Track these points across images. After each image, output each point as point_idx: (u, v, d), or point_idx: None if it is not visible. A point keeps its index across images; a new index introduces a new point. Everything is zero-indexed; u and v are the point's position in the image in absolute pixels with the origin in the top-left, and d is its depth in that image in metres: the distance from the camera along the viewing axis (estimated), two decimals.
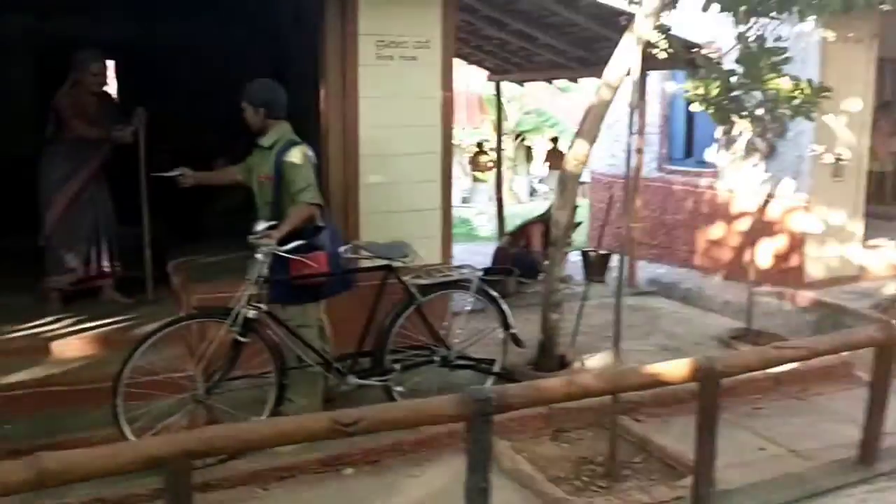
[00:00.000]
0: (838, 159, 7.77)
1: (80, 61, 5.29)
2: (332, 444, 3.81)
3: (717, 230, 9.10)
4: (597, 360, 5.38)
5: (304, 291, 4.25)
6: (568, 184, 4.89)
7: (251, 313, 3.97)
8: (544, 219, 7.78)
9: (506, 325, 4.67)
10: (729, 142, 8.69)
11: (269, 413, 4.10)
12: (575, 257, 8.69)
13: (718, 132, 9.05)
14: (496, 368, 4.73)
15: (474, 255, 8.26)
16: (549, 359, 5.09)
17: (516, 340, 4.77)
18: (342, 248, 4.13)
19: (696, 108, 5.95)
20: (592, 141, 4.87)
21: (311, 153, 4.29)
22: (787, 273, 7.96)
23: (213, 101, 5.92)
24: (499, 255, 7.56)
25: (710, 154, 9.19)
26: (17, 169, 5.94)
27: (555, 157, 18.06)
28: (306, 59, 6.00)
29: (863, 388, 4.39)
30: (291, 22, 7.57)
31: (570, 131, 16.41)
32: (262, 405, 4.16)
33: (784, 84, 5.57)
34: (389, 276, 4.34)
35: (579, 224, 4.98)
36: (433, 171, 5.66)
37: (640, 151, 7.98)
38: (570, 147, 4.94)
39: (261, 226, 4.03)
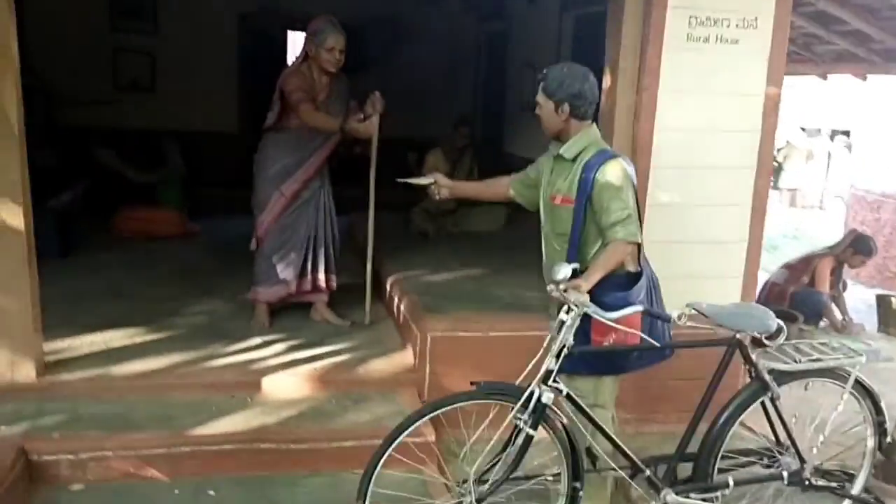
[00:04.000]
0: None
1: (315, 33, 4.31)
2: None
3: None
4: None
5: (602, 359, 3.06)
6: None
7: (547, 396, 2.80)
8: (836, 252, 6.19)
9: (881, 430, 3.25)
10: None
11: None
12: (857, 297, 7.06)
13: None
14: (858, 488, 3.34)
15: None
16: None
17: (886, 449, 3.35)
18: (675, 314, 2.86)
19: None
20: None
21: (631, 170, 3.07)
22: None
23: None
24: (771, 291, 6.06)
25: None
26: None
27: None
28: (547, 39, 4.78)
29: None
30: None
31: None
32: None
33: None
34: (733, 352, 3.04)
35: None
36: (742, 192, 4.30)
37: None
38: None
39: (561, 270, 2.84)
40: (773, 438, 3.19)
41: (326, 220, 4.69)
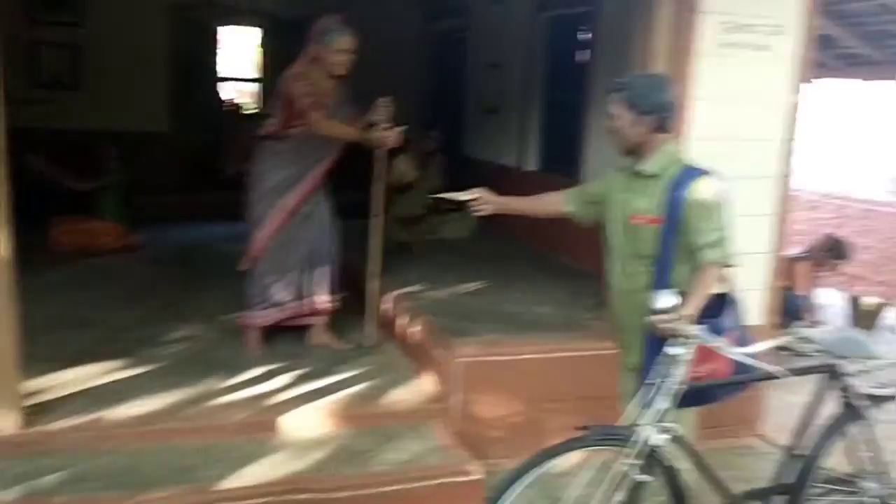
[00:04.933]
0: None
1: (323, 33, 3.91)
2: None
3: None
4: None
5: (699, 391, 2.85)
6: None
7: (660, 439, 2.56)
8: (814, 256, 6.26)
9: None
10: None
11: None
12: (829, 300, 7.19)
13: None
14: None
15: None
16: None
17: None
18: (780, 342, 2.68)
19: None
20: None
21: (722, 187, 2.87)
22: None
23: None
24: None
25: None
26: None
27: None
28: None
29: None
30: None
31: None
32: None
33: None
34: (833, 379, 2.90)
35: None
36: (766, 203, 4.22)
37: None
38: None
39: (663, 299, 2.61)
40: (854, 465, 3.08)
41: (327, 236, 4.30)
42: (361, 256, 4.59)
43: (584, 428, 2.60)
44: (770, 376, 2.83)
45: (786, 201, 4.26)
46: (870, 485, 3.08)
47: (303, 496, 3.17)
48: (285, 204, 4.12)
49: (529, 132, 6.61)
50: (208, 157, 8.32)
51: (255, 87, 9.54)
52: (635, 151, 2.93)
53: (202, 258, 6.31)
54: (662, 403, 2.56)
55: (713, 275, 2.75)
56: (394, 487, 3.30)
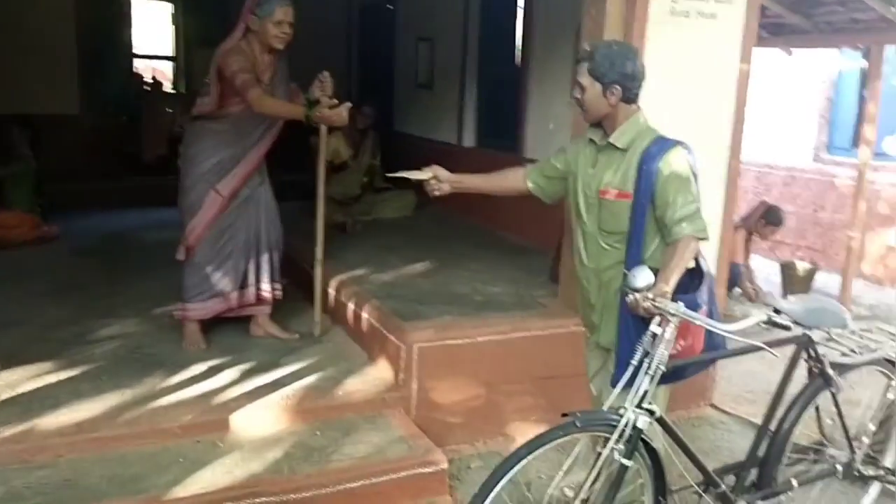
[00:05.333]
0: None
1: (260, 3, 3.65)
2: None
3: None
4: None
5: (676, 368, 2.78)
6: None
7: (643, 421, 2.47)
8: (749, 224, 6.35)
9: None
10: None
11: None
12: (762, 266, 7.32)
13: None
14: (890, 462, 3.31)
15: None
16: None
17: None
18: (754, 317, 2.62)
19: None
20: None
21: (693, 158, 2.78)
22: None
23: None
24: None
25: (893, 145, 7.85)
26: None
27: None
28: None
29: None
30: None
31: None
32: None
33: None
34: (804, 350, 2.87)
35: None
36: (718, 173, 4.18)
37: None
38: None
39: (641, 277, 2.51)
40: (821, 433, 3.09)
41: (269, 220, 4.06)
42: (298, 240, 4.38)
43: (568, 415, 2.48)
44: (744, 351, 2.79)
45: (736, 171, 4.25)
46: (836, 452, 3.10)
47: (262, 499, 2.97)
48: (223, 188, 3.86)
49: (466, 107, 6.48)
50: (124, 141, 7.89)
51: (169, 65, 9.08)
52: (603, 123, 2.82)
53: (126, 248, 5.97)
54: (646, 384, 2.48)
55: (690, 248, 2.67)
56: (357, 483, 3.13)
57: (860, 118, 8.39)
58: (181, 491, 2.93)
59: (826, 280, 7.17)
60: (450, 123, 6.61)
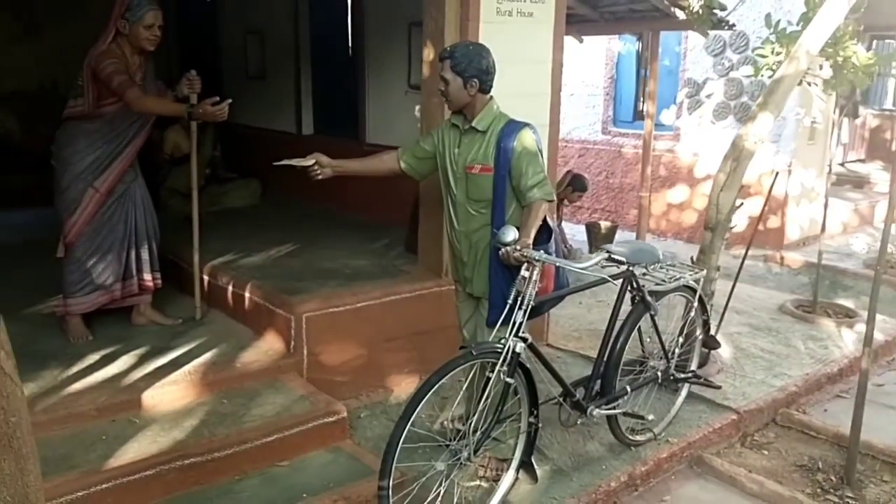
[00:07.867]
0: (813, 122, 8.00)
1: (130, 8, 3.86)
2: None
3: (677, 194, 9.11)
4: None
5: (542, 304, 3.44)
6: (742, 163, 4.41)
7: (520, 347, 3.11)
8: (558, 191, 7.24)
9: (706, 326, 4.15)
10: (694, 104, 8.68)
11: (516, 467, 3.32)
12: (569, 228, 8.29)
13: (681, 95, 9.03)
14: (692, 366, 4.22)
15: None
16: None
17: (711, 344, 4.28)
18: (594, 261, 3.34)
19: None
20: (777, 115, 4.43)
21: (538, 136, 3.44)
22: (767, 235, 8.12)
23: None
24: None
25: (668, 117, 9.14)
26: None
27: None
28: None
29: None
30: None
31: None
32: None
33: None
34: (629, 282, 3.64)
35: (740, 206, 4.53)
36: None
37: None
38: (751, 120, 4.44)
39: (509, 233, 3.13)
40: (643, 348, 3.91)
41: (145, 213, 4.28)
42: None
43: (465, 347, 3.07)
44: (589, 285, 3.52)
45: (556, 143, 5.01)
46: (655, 363, 3.94)
47: (189, 461, 3.31)
48: (101, 185, 4.04)
49: (303, 97, 6.83)
50: None
51: None
52: (464, 111, 3.40)
53: None
54: (520, 317, 3.11)
55: (542, 209, 3.33)
56: (273, 437, 3.54)
57: (638, 94, 9.67)
58: (115, 462, 3.21)
59: (621, 235, 8.32)
60: (287, 113, 6.93)
